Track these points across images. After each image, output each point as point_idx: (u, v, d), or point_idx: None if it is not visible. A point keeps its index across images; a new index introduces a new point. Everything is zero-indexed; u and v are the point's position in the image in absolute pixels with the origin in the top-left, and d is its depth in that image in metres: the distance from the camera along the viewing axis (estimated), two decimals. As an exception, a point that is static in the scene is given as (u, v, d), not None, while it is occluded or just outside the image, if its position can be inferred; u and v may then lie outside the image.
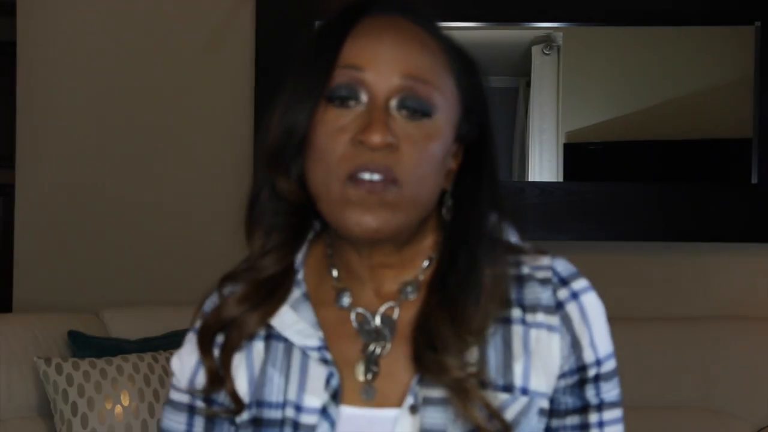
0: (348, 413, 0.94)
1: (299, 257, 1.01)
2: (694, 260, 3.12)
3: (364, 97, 0.91)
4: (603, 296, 0.99)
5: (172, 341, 2.75)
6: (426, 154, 0.91)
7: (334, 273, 1.01)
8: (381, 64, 0.91)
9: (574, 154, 3.16)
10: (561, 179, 3.14)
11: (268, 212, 0.98)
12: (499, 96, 3.24)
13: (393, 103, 0.91)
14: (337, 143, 0.91)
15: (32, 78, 3.30)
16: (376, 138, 0.88)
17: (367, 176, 0.89)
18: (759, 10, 3.05)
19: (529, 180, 3.14)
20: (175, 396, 1.04)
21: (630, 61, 3.17)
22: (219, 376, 0.98)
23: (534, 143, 3.17)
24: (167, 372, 2.63)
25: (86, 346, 2.62)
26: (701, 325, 2.90)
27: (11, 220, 3.39)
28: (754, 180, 3.05)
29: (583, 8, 3.10)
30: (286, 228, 0.99)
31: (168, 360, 2.65)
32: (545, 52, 3.16)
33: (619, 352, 0.99)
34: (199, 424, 1.02)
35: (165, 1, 3.28)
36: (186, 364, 1.02)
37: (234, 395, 0.97)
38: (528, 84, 3.19)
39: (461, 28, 3.11)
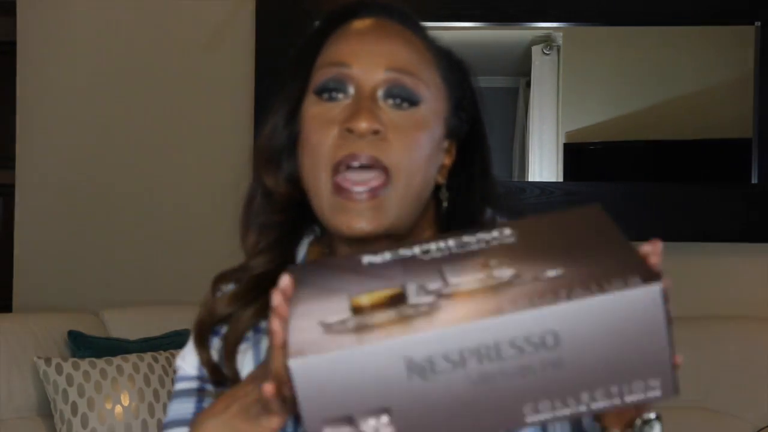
0: None
1: (300, 256, 1.02)
2: (694, 260, 3.12)
3: (351, 90, 0.94)
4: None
5: (172, 341, 2.75)
6: (414, 142, 0.93)
7: None
8: (366, 59, 0.94)
9: (574, 154, 3.16)
10: (561, 179, 3.14)
11: (261, 212, 1.00)
12: (499, 96, 3.24)
13: (379, 93, 0.93)
14: (326, 135, 0.92)
15: (32, 78, 3.30)
16: (363, 124, 0.90)
17: (354, 173, 0.90)
18: (759, 10, 3.05)
19: (529, 180, 3.14)
20: (182, 385, 1.03)
21: (630, 61, 3.17)
22: (217, 367, 0.98)
23: (534, 143, 3.17)
24: (167, 372, 2.63)
25: (86, 346, 2.63)
26: (701, 325, 2.90)
27: (11, 220, 3.39)
28: (754, 180, 3.05)
29: (583, 8, 3.10)
30: (278, 226, 1.00)
31: (168, 360, 2.66)
32: (545, 52, 3.16)
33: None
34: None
35: (165, 1, 3.28)
36: (190, 359, 1.03)
37: (236, 379, 0.96)
38: (528, 84, 3.19)
39: (461, 28, 3.11)
